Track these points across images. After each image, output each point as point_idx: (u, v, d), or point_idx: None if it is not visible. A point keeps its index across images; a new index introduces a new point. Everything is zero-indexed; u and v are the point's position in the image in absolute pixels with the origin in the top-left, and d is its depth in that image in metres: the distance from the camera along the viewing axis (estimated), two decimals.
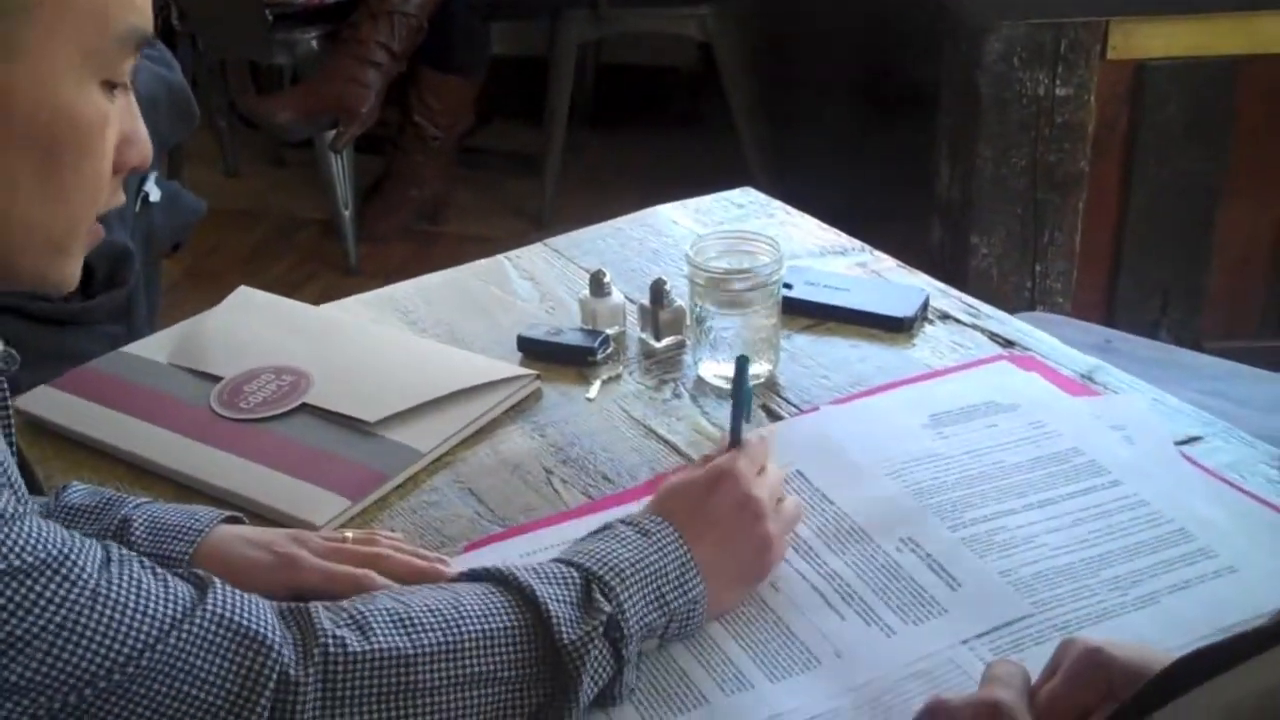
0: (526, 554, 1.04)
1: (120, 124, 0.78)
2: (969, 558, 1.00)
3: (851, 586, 0.99)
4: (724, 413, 1.21)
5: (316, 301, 1.43)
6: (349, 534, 1.02)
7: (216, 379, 1.25)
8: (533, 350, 1.31)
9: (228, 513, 1.01)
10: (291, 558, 0.97)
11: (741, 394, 1.03)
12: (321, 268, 3.31)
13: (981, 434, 1.15)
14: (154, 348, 1.31)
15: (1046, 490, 1.07)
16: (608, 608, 0.87)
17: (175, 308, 2.44)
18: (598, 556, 0.91)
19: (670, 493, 0.99)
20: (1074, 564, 1.00)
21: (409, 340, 1.33)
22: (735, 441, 1.02)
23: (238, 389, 1.23)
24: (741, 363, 1.03)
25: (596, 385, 1.26)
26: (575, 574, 0.89)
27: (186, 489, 1.13)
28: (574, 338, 1.30)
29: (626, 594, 0.89)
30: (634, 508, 1.02)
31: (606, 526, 0.96)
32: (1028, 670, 0.83)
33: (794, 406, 1.21)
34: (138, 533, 0.97)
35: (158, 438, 1.18)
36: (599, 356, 1.28)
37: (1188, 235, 2.61)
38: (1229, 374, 1.67)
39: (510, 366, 1.26)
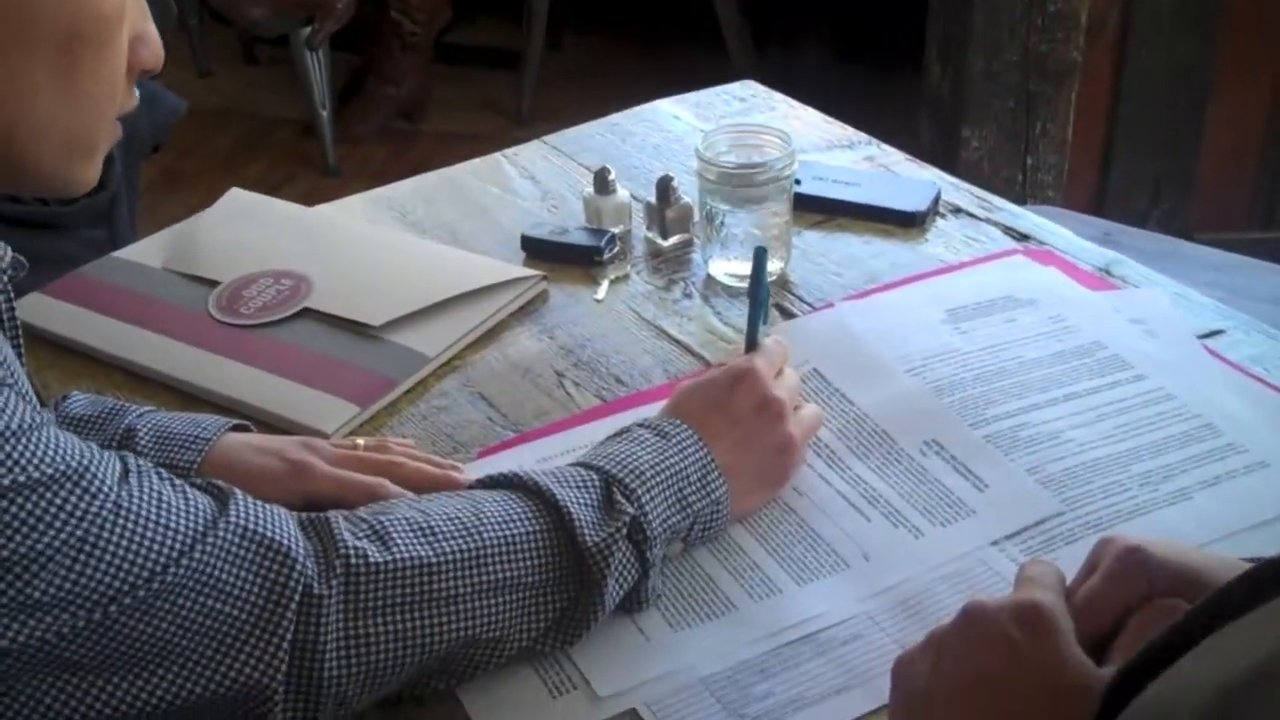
0: (542, 459, 1.02)
1: (132, 22, 0.75)
2: (995, 457, 0.99)
3: (876, 490, 0.97)
4: (735, 312, 1.18)
5: (298, 203, 1.39)
6: (361, 441, 1.00)
7: (213, 284, 1.21)
8: (537, 250, 1.27)
9: (235, 420, 0.98)
10: (303, 465, 0.94)
11: (760, 290, 1.00)
12: (300, 168, 3.25)
13: (1000, 329, 1.12)
14: (146, 252, 1.27)
15: (1070, 385, 1.06)
16: (630, 510, 0.85)
17: (152, 211, 2.40)
18: (617, 459, 0.89)
19: (687, 394, 0.96)
20: (1102, 460, 0.98)
21: (410, 242, 1.29)
22: (752, 344, 1.00)
23: (236, 294, 1.19)
24: (760, 255, 1.00)
25: (604, 286, 1.23)
26: (595, 477, 0.87)
27: (189, 398, 1.10)
28: (579, 237, 1.27)
29: (648, 496, 0.87)
30: (649, 410, 1.00)
31: (624, 430, 0.93)
32: (1062, 570, 0.82)
33: (807, 304, 1.19)
34: (143, 442, 0.94)
35: (157, 345, 1.15)
36: (605, 256, 1.25)
37: (1179, 126, 2.58)
38: (1235, 266, 1.66)
39: (516, 268, 1.23)
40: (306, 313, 1.17)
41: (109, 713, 0.71)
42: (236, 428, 0.98)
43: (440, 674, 0.82)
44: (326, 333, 1.15)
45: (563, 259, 1.26)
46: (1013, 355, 1.09)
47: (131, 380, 1.13)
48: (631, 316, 1.19)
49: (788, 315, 1.17)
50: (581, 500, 0.85)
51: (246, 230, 1.29)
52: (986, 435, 1.01)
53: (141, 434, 0.95)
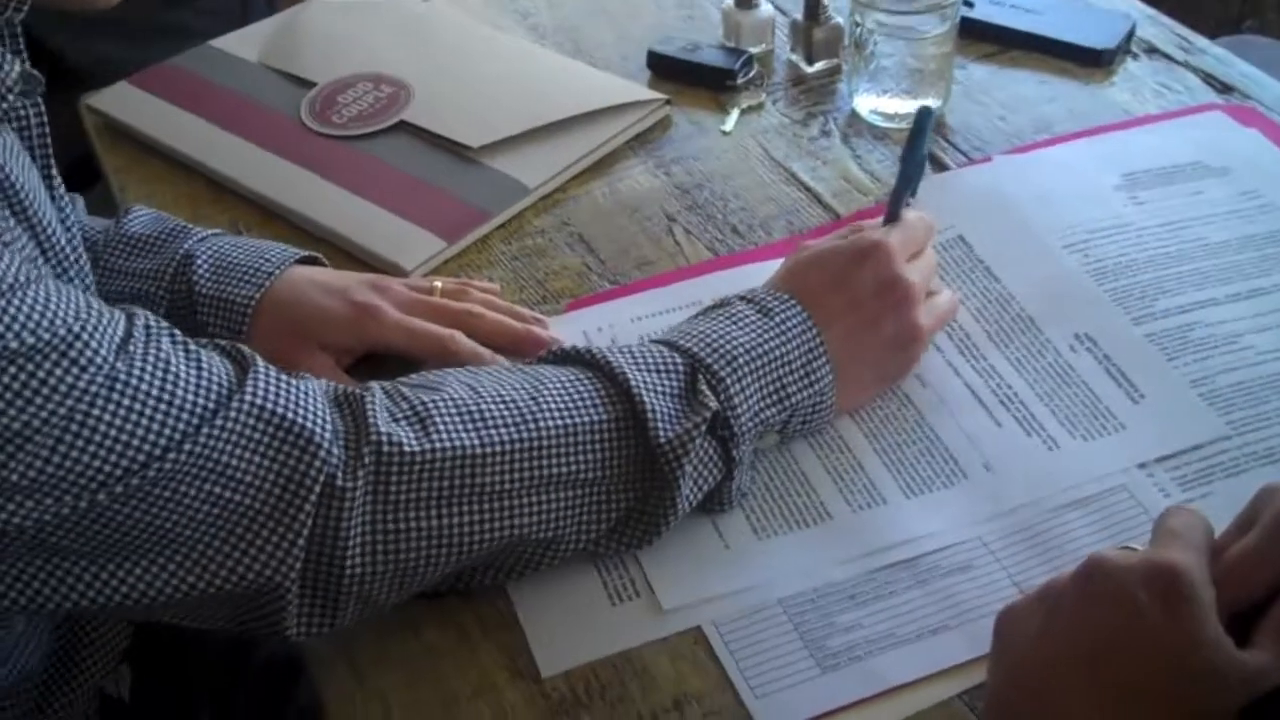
0: (637, 318, 0.91)
1: None
2: (1156, 360, 0.85)
3: (1013, 388, 0.85)
4: (878, 157, 1.04)
5: None
6: (438, 284, 0.90)
7: (309, 84, 1.11)
8: (664, 68, 1.14)
9: (303, 252, 0.89)
10: (370, 309, 0.85)
11: (915, 156, 0.86)
12: None
13: (1183, 201, 0.96)
14: (244, 43, 1.18)
15: (1258, 278, 0.90)
16: (714, 403, 0.74)
17: None
18: (708, 340, 0.77)
19: (804, 265, 0.83)
20: None
21: (524, 51, 1.16)
22: (894, 214, 0.86)
23: (330, 99, 1.09)
24: (924, 117, 0.85)
25: (734, 115, 1.09)
26: (679, 360, 0.76)
27: (267, 214, 1.02)
28: (712, 56, 1.13)
29: (738, 385, 0.76)
30: (764, 270, 0.88)
31: (722, 303, 0.81)
32: (1210, 523, 0.69)
33: (961, 153, 1.04)
34: (200, 270, 0.86)
35: (242, 152, 1.06)
36: (740, 80, 1.11)
37: None
38: None
39: (637, 88, 1.10)
40: (402, 126, 1.06)
41: (103, 600, 0.64)
42: (305, 260, 0.89)
43: (487, 569, 0.74)
44: (421, 151, 1.04)
45: (692, 80, 1.13)
46: (1194, 236, 0.93)
47: (212, 189, 1.05)
48: (759, 154, 1.05)
49: (939, 166, 1.02)
50: (660, 387, 0.74)
51: (351, 24, 1.18)
52: (1150, 333, 0.87)
53: (200, 262, 0.87)
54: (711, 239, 0.98)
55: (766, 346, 0.78)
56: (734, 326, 0.78)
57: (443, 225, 0.97)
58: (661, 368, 0.76)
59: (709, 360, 0.76)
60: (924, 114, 0.85)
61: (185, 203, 1.03)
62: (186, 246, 0.88)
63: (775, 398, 0.77)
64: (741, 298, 0.81)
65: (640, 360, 0.76)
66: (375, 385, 0.72)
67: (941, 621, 0.73)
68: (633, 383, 0.74)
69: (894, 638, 0.72)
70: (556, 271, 0.96)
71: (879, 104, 1.07)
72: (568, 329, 0.90)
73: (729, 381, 0.75)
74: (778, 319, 0.79)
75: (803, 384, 0.78)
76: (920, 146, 0.85)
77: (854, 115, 1.09)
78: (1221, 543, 0.67)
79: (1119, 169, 0.99)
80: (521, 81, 1.09)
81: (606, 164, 1.05)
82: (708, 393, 0.75)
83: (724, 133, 1.08)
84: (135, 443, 0.61)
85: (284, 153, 1.04)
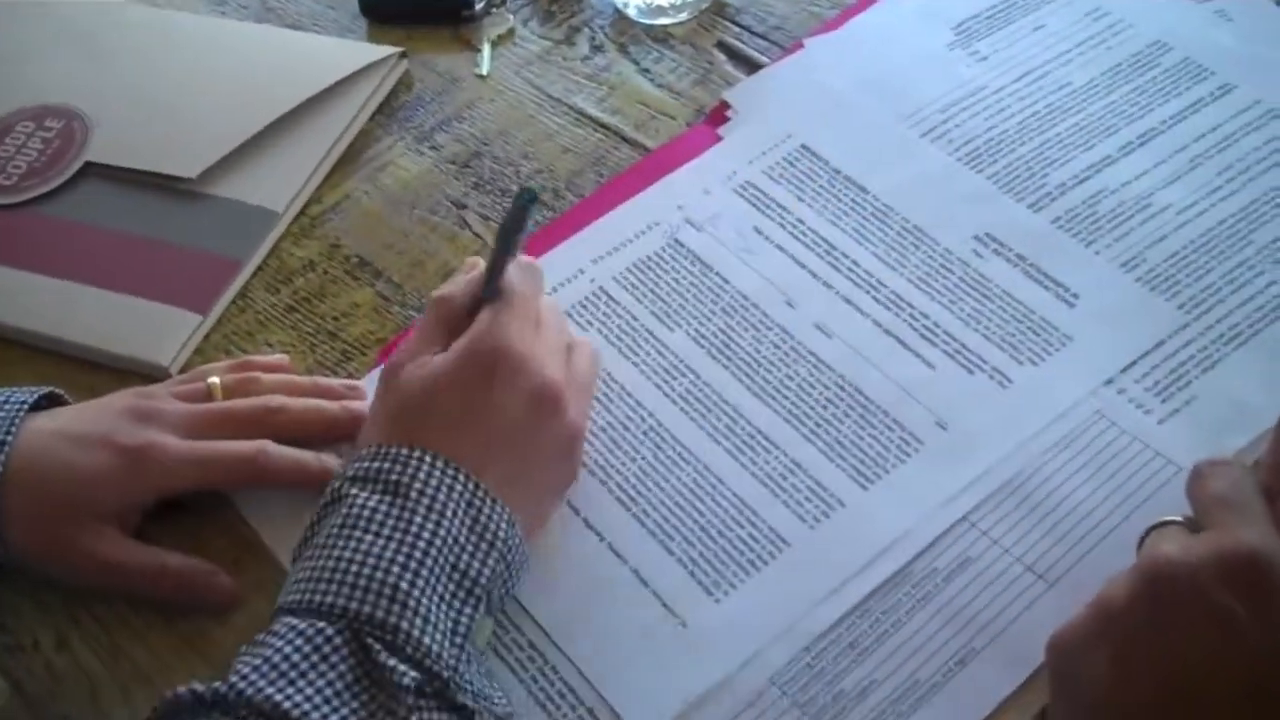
0: None
1: None
2: (1074, 249, 0.73)
3: (929, 316, 0.72)
4: (668, 64, 0.88)
5: None
6: (214, 379, 0.70)
7: None
8: (382, 12, 0.94)
9: (33, 392, 0.68)
10: (145, 449, 0.65)
11: (516, 234, 0.63)
12: None
13: (1027, 43, 0.85)
14: None
15: (1140, 117, 0.79)
16: (408, 675, 0.53)
17: None
18: (350, 576, 0.55)
19: (416, 393, 0.61)
20: (1214, 230, 0.73)
21: (209, 29, 0.93)
22: (494, 289, 0.64)
23: None
24: (523, 201, 0.61)
25: (486, 52, 0.91)
26: (334, 635, 0.54)
27: None
28: None
29: (418, 620, 0.54)
30: (595, 242, 0.72)
31: (335, 498, 0.59)
32: (1244, 463, 0.58)
33: (761, 38, 0.89)
34: None
35: None
36: (478, 5, 0.93)
37: None
38: None
39: (362, 46, 0.90)
40: (90, 170, 0.84)
41: None
42: (40, 403, 0.68)
43: None
44: (124, 198, 0.82)
45: (420, 19, 0.93)
46: (1056, 84, 0.82)
47: None
48: (532, 95, 0.88)
49: (747, 64, 0.87)
50: (326, 699, 0.53)
51: None
52: (1055, 218, 0.75)
53: None
54: None
55: (423, 540, 0.56)
56: (368, 535, 0.56)
57: (188, 292, 0.77)
58: (316, 661, 0.53)
59: (367, 610, 0.54)
60: (526, 199, 0.61)
61: None
62: None
63: (463, 596, 0.57)
64: (353, 480, 0.58)
65: (284, 667, 0.53)
66: None
67: (966, 645, 0.60)
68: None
69: (919, 686, 0.59)
70: (346, 313, 0.77)
71: None
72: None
73: (405, 625, 0.54)
74: (415, 490, 0.57)
75: (484, 554, 0.58)
76: (523, 229, 0.63)
77: (620, 17, 0.92)
78: (1272, 468, 0.56)
79: (945, 22, 0.86)
80: (223, 74, 0.88)
81: (356, 155, 0.85)
82: (391, 662, 0.53)
83: (480, 77, 0.89)
84: None
85: None
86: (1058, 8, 0.86)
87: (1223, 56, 0.82)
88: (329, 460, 0.68)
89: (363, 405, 0.70)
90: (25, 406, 0.66)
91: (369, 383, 0.72)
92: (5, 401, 0.66)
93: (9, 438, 0.64)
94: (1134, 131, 0.78)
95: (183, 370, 0.74)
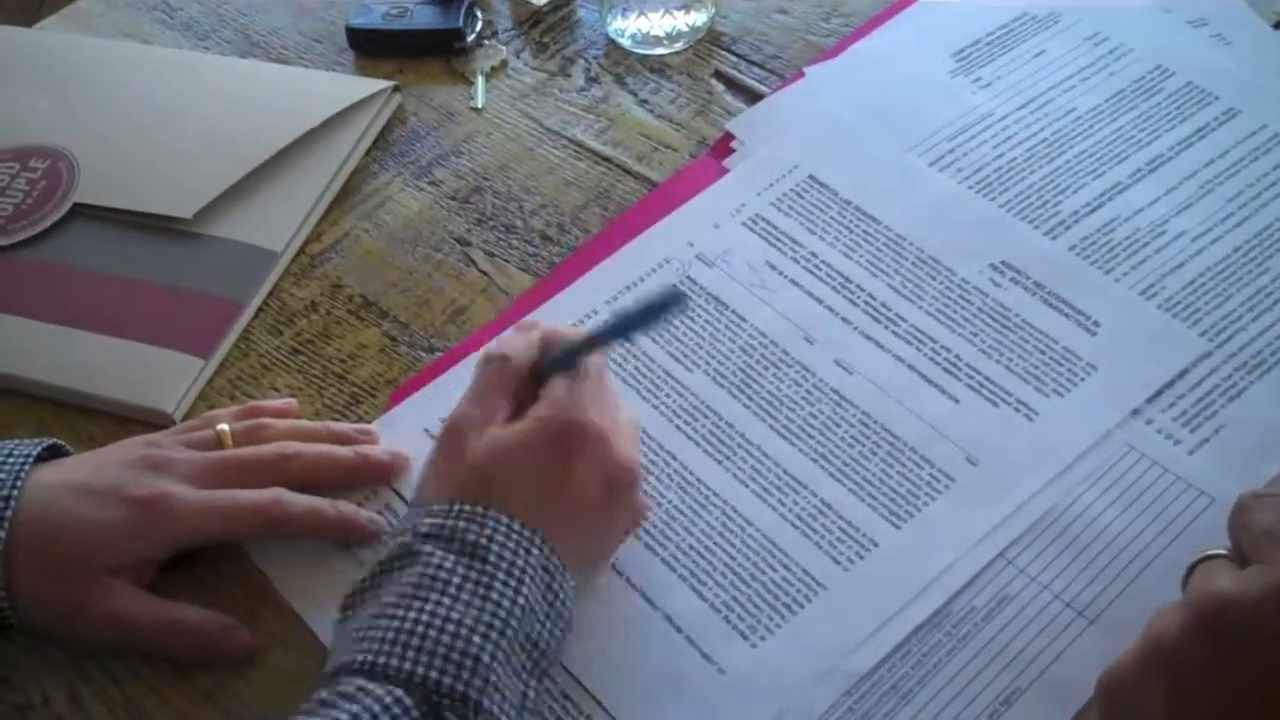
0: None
1: None
2: (1092, 276, 0.73)
3: (950, 349, 0.71)
4: (666, 95, 0.87)
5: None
6: (224, 426, 0.68)
7: None
8: (371, 45, 0.92)
9: (36, 445, 0.65)
10: (157, 500, 0.63)
11: (641, 330, 0.64)
12: None
13: (1029, 70, 0.84)
14: None
15: (1148, 143, 0.79)
16: None
17: None
18: (431, 644, 0.53)
19: (492, 463, 0.59)
20: (1230, 258, 0.73)
21: (192, 63, 0.91)
22: (572, 360, 0.62)
23: None
24: (670, 302, 0.61)
25: (480, 84, 0.89)
26: (412, 707, 0.51)
27: None
28: (427, 16, 0.92)
29: (497, 695, 0.53)
30: (604, 280, 0.71)
31: (407, 553, 0.56)
32: None
33: (760, 68, 0.88)
34: None
35: None
36: (470, 37, 0.91)
37: None
38: None
39: (355, 80, 0.89)
40: (78, 212, 0.81)
41: None
42: (44, 454, 0.66)
43: None
44: (118, 241, 0.80)
45: (412, 52, 0.92)
46: (1061, 110, 0.81)
47: None
48: (529, 128, 0.86)
49: (747, 94, 0.86)
50: None
51: None
52: (1071, 246, 0.74)
53: None
54: (522, 255, 0.79)
55: (503, 609, 0.54)
56: (445, 599, 0.54)
57: (188, 335, 0.75)
58: None
59: (448, 681, 0.52)
60: (672, 301, 0.61)
61: None
62: None
63: (531, 667, 0.56)
64: (427, 536, 0.56)
65: None
66: None
67: (1010, 685, 0.60)
68: None
69: None
70: (353, 354, 0.75)
71: (638, 25, 0.89)
72: (405, 429, 0.71)
73: (486, 703, 0.52)
74: (494, 554, 0.55)
75: (553, 624, 0.57)
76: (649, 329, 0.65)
77: (614, 47, 0.91)
78: None
79: (946, 48, 0.86)
80: (212, 111, 0.85)
81: (353, 191, 0.83)
82: None
83: (476, 110, 0.88)
84: None
85: None
86: (1056, 33, 0.86)
87: (1225, 81, 0.82)
88: (345, 508, 0.66)
89: (377, 450, 0.69)
90: (30, 460, 0.64)
91: (381, 426, 0.71)
92: (8, 456, 0.64)
93: (14, 493, 0.62)
94: (1143, 158, 0.78)
95: (186, 417, 0.72)
